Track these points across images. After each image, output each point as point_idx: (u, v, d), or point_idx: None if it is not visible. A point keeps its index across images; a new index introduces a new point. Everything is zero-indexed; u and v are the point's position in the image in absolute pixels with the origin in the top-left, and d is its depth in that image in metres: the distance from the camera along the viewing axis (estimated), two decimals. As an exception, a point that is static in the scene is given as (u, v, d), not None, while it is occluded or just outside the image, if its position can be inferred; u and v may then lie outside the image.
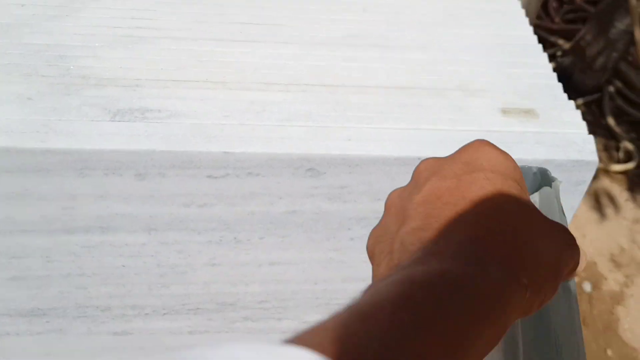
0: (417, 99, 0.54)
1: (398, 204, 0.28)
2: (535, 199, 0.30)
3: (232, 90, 0.53)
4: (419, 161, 0.47)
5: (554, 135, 0.52)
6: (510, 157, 0.27)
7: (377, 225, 0.29)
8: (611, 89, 1.50)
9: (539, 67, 0.60)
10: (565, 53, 1.54)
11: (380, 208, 0.53)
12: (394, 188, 0.29)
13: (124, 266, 0.56)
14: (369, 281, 0.62)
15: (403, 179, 0.50)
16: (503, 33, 0.64)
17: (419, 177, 0.28)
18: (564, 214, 0.29)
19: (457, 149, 0.28)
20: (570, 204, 0.53)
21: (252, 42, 0.59)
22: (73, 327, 0.61)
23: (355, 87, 0.55)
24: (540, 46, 0.62)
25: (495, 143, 0.48)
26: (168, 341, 0.64)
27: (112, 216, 0.51)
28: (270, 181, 0.50)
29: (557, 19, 1.64)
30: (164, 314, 0.61)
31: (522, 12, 0.67)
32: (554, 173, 0.49)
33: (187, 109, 0.50)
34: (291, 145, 0.48)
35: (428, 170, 0.28)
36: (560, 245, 0.24)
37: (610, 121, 1.44)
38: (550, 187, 0.33)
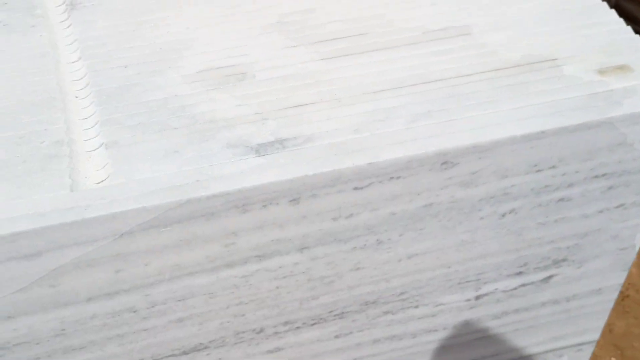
0: (516, 78, 0.58)
1: None
2: None
3: (349, 106, 0.57)
4: (542, 135, 0.51)
5: (653, 85, 0.56)
6: None
7: None
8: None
9: (612, 23, 0.63)
10: None
11: (507, 185, 0.57)
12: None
13: (277, 287, 0.60)
14: (496, 256, 0.66)
15: (527, 154, 0.54)
16: (566, -1, 0.67)
17: None
18: None
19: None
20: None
21: (345, 56, 0.62)
22: (231, 354, 0.65)
23: (455, 78, 0.59)
24: (604, 3, 0.66)
25: (604, 102, 0.53)
26: (317, 348, 0.68)
27: (268, 243, 0.55)
28: (409, 181, 0.53)
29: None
30: (313, 324, 0.65)
31: (576, -25, 0.71)
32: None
33: (318, 130, 0.54)
34: (425, 144, 0.52)
35: None
36: None
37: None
38: None
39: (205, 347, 0.64)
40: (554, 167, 0.56)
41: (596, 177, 0.58)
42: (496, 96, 0.56)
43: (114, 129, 0.57)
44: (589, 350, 0.85)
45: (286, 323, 0.64)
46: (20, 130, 0.58)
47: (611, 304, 0.77)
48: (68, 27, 0.72)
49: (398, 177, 0.53)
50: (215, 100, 0.59)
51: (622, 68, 0.57)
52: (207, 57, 0.64)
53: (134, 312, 0.57)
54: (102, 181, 0.53)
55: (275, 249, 0.56)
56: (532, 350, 0.81)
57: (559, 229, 0.63)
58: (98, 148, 0.56)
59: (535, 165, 0.56)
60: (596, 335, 0.82)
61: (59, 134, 0.57)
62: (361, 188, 0.53)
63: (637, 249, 0.69)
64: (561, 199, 0.59)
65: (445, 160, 0.53)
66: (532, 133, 0.53)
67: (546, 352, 0.82)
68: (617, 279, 0.73)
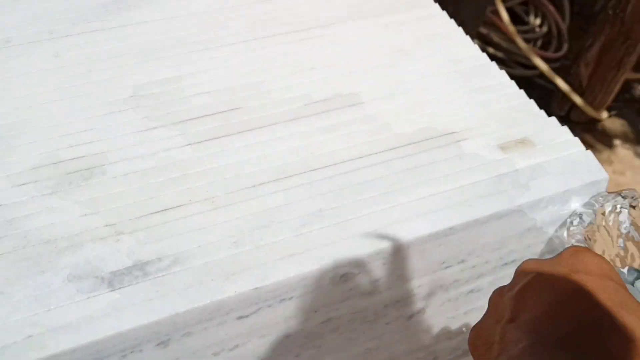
0: (414, 158, 0.51)
1: (495, 300, 0.33)
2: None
3: (224, 207, 0.47)
4: (451, 231, 0.44)
5: (557, 162, 0.51)
6: (605, 260, 0.31)
7: (479, 320, 0.33)
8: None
9: (505, 86, 0.59)
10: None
11: (413, 286, 0.49)
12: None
13: None
14: (405, 356, 0.58)
15: (435, 252, 0.47)
16: (454, 57, 0.62)
17: (517, 276, 0.33)
18: None
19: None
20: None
21: (216, 138, 0.52)
22: None
23: (347, 162, 0.51)
24: (494, 63, 0.61)
25: (510, 186, 0.47)
26: None
27: (134, 392, 0.44)
28: (304, 299, 0.45)
29: None
30: None
31: (460, 30, 0.66)
32: (573, 200, 0.48)
33: (188, 246, 0.44)
34: (319, 255, 0.44)
35: (525, 270, 0.32)
36: None
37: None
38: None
39: None
40: (463, 261, 0.50)
41: (506, 264, 0.53)
42: (395, 184, 0.48)
43: None
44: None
45: None
46: None
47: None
48: None
49: (290, 298, 0.44)
50: (54, 210, 0.47)
51: (524, 142, 0.52)
52: (43, 148, 0.52)
53: None
54: None
55: (145, 397, 0.45)
56: None
57: (469, 319, 0.56)
58: None
59: (444, 262, 0.49)
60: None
61: None
62: (247, 316, 0.43)
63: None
64: (471, 291, 0.53)
65: (344, 273, 0.44)
66: (440, 231, 0.46)
67: None
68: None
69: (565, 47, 1.89)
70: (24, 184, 0.49)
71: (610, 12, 1.48)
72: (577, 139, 0.53)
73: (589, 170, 0.50)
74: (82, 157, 0.51)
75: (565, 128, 0.54)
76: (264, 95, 0.57)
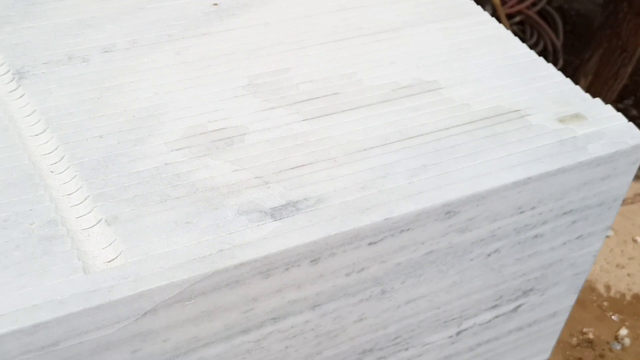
0: (491, 129, 0.63)
1: None
2: None
3: (346, 165, 0.59)
4: (528, 181, 0.56)
5: (606, 130, 0.64)
6: None
7: None
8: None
9: (554, 75, 0.72)
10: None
11: (495, 227, 0.61)
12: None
13: (287, 347, 0.59)
14: (478, 293, 0.70)
15: (514, 198, 0.59)
16: (508, 54, 0.75)
17: None
18: None
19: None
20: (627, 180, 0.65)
21: (325, 115, 0.65)
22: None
23: (437, 132, 0.63)
24: (541, 58, 0.75)
25: (571, 148, 0.59)
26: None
27: (285, 305, 0.55)
28: (416, 232, 0.56)
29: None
30: (313, 380, 0.65)
31: (509, 32, 0.79)
32: (620, 161, 0.60)
33: (325, 190, 0.56)
34: (431, 196, 0.56)
35: None
36: None
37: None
38: None
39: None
40: (533, 208, 0.62)
41: (564, 213, 0.65)
42: (479, 147, 0.61)
43: (109, 204, 0.55)
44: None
45: (289, 383, 0.64)
46: (2, 213, 0.54)
47: (562, 325, 0.85)
48: (20, 97, 0.68)
49: (408, 229, 0.56)
50: (210, 167, 0.59)
51: (577, 116, 0.65)
52: (187, 122, 0.64)
53: (145, 393, 0.54)
54: (112, 260, 0.50)
55: (290, 310, 0.56)
56: (495, 377, 0.86)
57: (531, 263, 0.68)
58: (95, 225, 0.54)
59: (519, 208, 0.61)
60: (548, 354, 0.89)
61: (48, 213, 0.54)
62: (375, 243, 0.55)
63: (587, 273, 0.77)
64: (536, 236, 0.65)
65: (449, 210, 0.56)
66: (520, 180, 0.58)
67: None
68: (569, 302, 0.81)
69: (560, 62, 2.05)
70: (180, 149, 0.61)
71: (608, 30, 1.63)
72: (619, 113, 0.65)
73: (632, 136, 0.63)
74: (222, 129, 0.63)
75: (609, 106, 0.66)
76: (357, 83, 0.70)
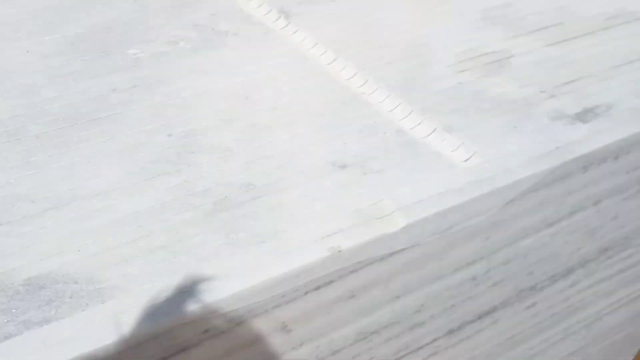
0: None
1: None
2: None
3: (615, 77, 0.70)
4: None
5: None
6: None
7: None
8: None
9: None
10: None
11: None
12: None
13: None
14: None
15: None
16: None
17: None
18: None
19: None
20: None
21: (564, 41, 0.75)
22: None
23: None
24: None
25: None
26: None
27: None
28: None
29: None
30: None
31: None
32: None
33: (607, 100, 0.67)
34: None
35: None
36: None
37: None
38: None
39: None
40: None
41: None
42: None
43: (436, 116, 0.64)
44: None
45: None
46: (347, 128, 0.63)
47: None
48: (294, 32, 0.76)
49: None
50: (499, 84, 0.69)
51: None
52: (454, 50, 0.73)
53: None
54: (468, 159, 0.60)
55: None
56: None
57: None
58: (431, 133, 0.64)
59: None
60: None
61: (390, 124, 0.63)
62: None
63: None
64: None
65: None
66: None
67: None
68: None
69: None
70: (463, 71, 0.70)
71: None
72: None
73: None
74: (486, 53, 0.73)
75: None
76: (571, 14, 0.81)
